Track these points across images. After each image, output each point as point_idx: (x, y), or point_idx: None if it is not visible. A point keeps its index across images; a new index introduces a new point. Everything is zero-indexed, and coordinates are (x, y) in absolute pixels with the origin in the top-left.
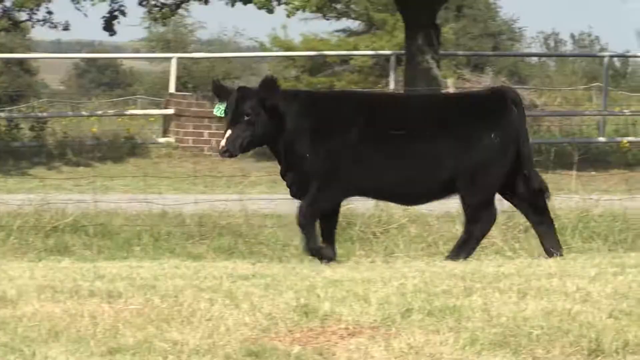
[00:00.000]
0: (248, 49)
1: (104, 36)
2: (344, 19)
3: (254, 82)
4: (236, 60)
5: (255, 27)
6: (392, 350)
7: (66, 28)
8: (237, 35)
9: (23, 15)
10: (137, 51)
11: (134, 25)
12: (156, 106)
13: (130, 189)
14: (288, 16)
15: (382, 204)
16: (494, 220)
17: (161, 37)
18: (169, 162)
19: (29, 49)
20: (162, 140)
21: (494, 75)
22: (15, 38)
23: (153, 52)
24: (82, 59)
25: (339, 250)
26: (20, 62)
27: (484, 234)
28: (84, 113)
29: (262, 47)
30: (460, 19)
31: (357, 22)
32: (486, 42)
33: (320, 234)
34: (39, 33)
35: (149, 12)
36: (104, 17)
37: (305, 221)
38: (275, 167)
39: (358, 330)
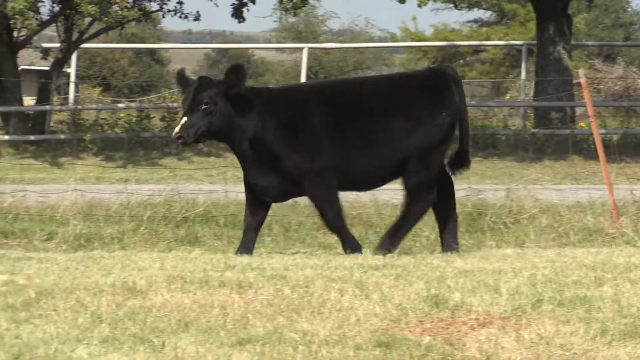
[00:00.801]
0: (380, 40)
1: (235, 26)
2: (475, 9)
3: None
4: (368, 51)
5: (386, 17)
6: (522, 340)
7: (197, 18)
8: (368, 26)
9: (154, 6)
10: (269, 41)
11: (265, 17)
12: None
13: None
14: (419, 6)
15: (513, 194)
16: (434, 200)
17: (292, 28)
18: None
19: (159, 39)
20: None
21: (625, 65)
22: (146, 28)
23: (284, 42)
24: (213, 49)
25: (470, 240)
26: (152, 52)
27: (423, 214)
28: None
29: (393, 38)
30: (592, 9)
31: (488, 13)
32: (618, 33)
33: (245, 227)
34: (169, 23)
35: (280, 2)
36: (232, 4)
37: (335, 223)
38: None
39: (488, 320)
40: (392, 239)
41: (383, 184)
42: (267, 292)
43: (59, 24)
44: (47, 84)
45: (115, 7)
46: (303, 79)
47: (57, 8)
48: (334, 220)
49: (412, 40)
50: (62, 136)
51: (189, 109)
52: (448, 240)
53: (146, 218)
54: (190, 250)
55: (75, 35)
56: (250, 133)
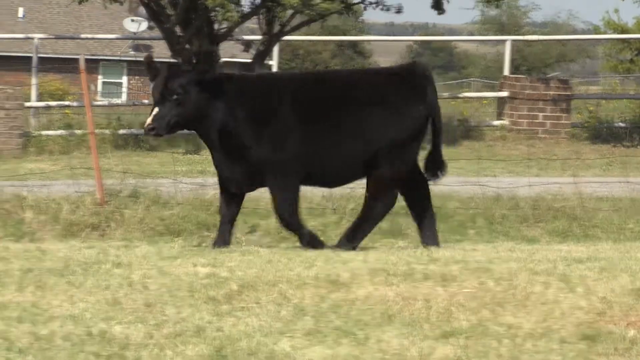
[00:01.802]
0: (583, 32)
1: (437, 18)
2: None
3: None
4: (571, 43)
5: (589, 9)
6: None
7: (399, 11)
8: (570, 18)
9: None
10: (471, 34)
11: (468, 9)
12: (490, 89)
13: (465, 172)
14: None
15: None
16: (396, 199)
17: (495, 20)
18: (503, 145)
19: (361, 32)
20: (496, 123)
21: None
22: (348, 21)
23: (486, 34)
24: (415, 41)
25: None
26: (353, 44)
27: (385, 213)
28: None
29: (596, 30)
30: None
31: None
32: None
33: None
34: (371, 15)
35: None
36: None
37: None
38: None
39: None
40: (351, 241)
41: (353, 179)
42: (471, 285)
43: (261, 16)
44: None
45: (318, 0)
46: (506, 72)
47: (258, 0)
48: (290, 216)
49: (615, 31)
50: None
51: (160, 98)
52: (428, 238)
53: (349, 210)
54: (393, 243)
55: (276, 28)
56: (220, 122)
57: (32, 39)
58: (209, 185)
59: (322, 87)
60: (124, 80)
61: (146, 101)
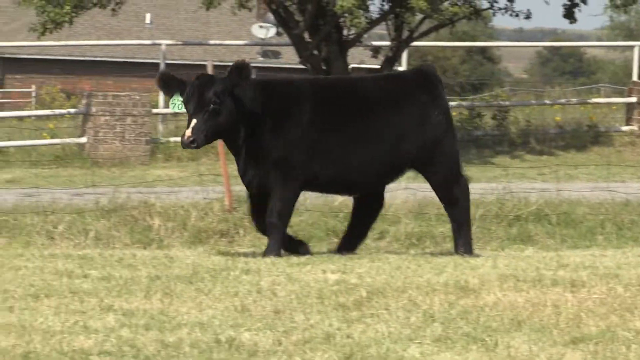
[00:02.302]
0: None
1: (566, 24)
2: None
3: None
4: None
5: None
6: None
7: (528, 16)
8: None
9: (484, 4)
10: (600, 39)
11: (596, 15)
12: (619, 94)
13: (594, 177)
14: None
15: None
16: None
17: (623, 25)
18: (632, 151)
19: (491, 37)
20: (625, 128)
21: None
22: (477, 26)
23: (615, 40)
24: (545, 47)
25: None
26: (483, 50)
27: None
28: (546, 101)
29: None
30: None
31: None
32: None
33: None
34: (500, 21)
35: (611, 0)
36: (564, 4)
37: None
38: None
39: None
40: (467, 245)
41: (371, 187)
42: (600, 291)
43: (389, 22)
44: None
45: (446, 4)
46: (635, 78)
47: (386, 6)
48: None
49: None
50: None
51: (196, 109)
52: (350, 244)
53: (478, 216)
54: (522, 249)
55: (405, 34)
56: (248, 129)
57: (160, 45)
58: None
59: (344, 93)
60: None
61: None
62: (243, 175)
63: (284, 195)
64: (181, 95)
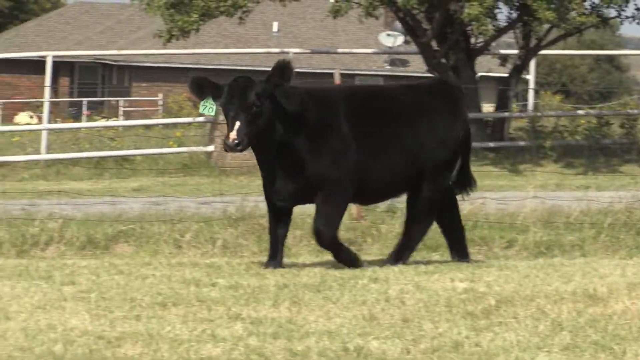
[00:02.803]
0: None
1: None
2: None
3: None
4: None
5: None
6: None
7: None
8: None
9: (612, 12)
10: None
11: None
12: None
13: None
14: None
15: None
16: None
17: None
18: None
19: (619, 46)
20: None
21: None
22: (605, 35)
23: None
24: None
25: None
26: (611, 58)
27: (423, 236)
28: None
29: None
30: None
31: None
32: None
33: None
34: (628, 30)
35: None
36: None
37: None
38: None
39: None
40: (398, 261)
41: (392, 197)
42: None
43: (517, 31)
44: (506, 90)
45: (573, 14)
46: None
47: (514, 14)
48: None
49: None
50: (522, 143)
51: (239, 111)
52: (458, 252)
53: (607, 225)
54: None
55: (533, 42)
56: (281, 135)
57: (287, 53)
58: (467, 200)
59: (374, 102)
60: None
61: None
62: (273, 186)
63: (332, 212)
64: (214, 98)
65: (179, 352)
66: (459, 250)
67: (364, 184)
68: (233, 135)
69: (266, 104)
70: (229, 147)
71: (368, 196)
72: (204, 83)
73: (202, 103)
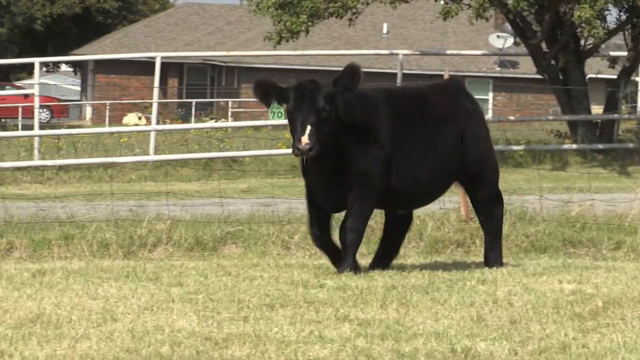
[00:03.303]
0: None
1: None
2: None
3: None
4: None
5: None
6: None
7: None
8: None
9: None
10: None
11: None
12: None
13: None
14: None
15: None
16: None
17: None
18: None
19: None
20: None
21: None
22: None
23: None
24: None
25: None
26: None
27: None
28: None
29: None
30: None
31: None
32: None
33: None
34: None
35: None
36: None
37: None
38: None
39: None
40: (496, 257)
41: (430, 200)
42: None
43: (626, 32)
44: (615, 92)
45: None
46: None
47: (623, 16)
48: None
49: None
50: (631, 145)
51: (310, 115)
52: (380, 262)
53: None
54: None
55: None
56: (339, 139)
57: (397, 55)
58: (575, 202)
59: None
60: (490, 96)
61: (512, 117)
62: (327, 193)
63: (365, 211)
64: (279, 102)
65: (286, 353)
66: (383, 261)
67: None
68: (305, 139)
69: (334, 109)
70: (301, 152)
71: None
72: (269, 86)
73: (271, 110)
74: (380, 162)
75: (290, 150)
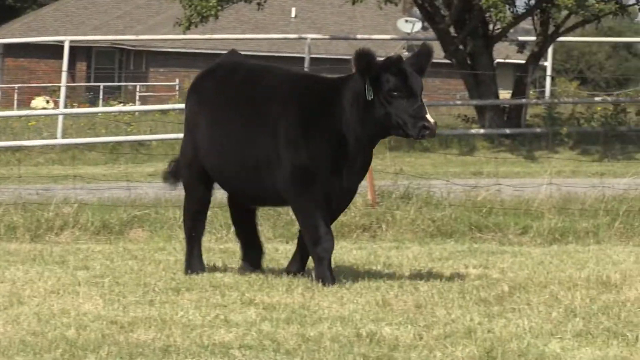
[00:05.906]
0: None
1: None
2: None
3: None
4: None
5: None
6: None
7: None
8: None
9: (630, 0)
10: None
11: None
12: None
13: None
14: None
15: None
16: None
17: None
18: None
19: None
20: None
21: None
22: (623, 22)
23: None
24: None
25: None
26: (628, 46)
27: None
28: None
29: None
30: None
31: None
32: None
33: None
34: None
35: None
36: None
37: None
38: None
39: None
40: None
41: None
42: None
43: (535, 17)
44: (523, 77)
45: (592, 0)
46: None
47: (532, 1)
48: None
49: None
50: (538, 130)
51: (420, 94)
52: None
53: (622, 212)
54: None
55: (551, 29)
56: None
57: (305, 39)
58: (482, 187)
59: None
60: None
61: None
62: (347, 182)
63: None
64: (372, 81)
65: (191, 337)
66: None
67: None
68: (431, 119)
69: None
70: (432, 132)
71: None
72: (372, 61)
73: (367, 88)
74: None
75: None
